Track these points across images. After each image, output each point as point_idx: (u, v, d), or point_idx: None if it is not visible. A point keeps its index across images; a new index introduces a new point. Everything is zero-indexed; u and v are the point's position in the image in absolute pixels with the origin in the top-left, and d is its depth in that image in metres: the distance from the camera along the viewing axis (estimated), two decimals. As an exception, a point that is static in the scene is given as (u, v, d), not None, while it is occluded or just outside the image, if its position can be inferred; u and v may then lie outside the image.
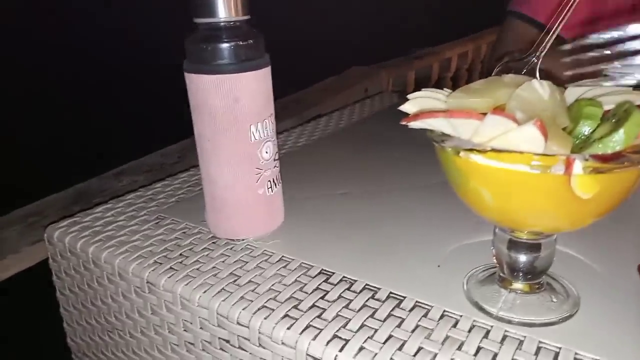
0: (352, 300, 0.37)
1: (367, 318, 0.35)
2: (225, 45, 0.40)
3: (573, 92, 0.34)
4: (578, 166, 0.25)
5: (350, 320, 0.35)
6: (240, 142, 0.42)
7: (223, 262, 0.43)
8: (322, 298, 0.38)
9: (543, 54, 0.39)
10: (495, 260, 0.36)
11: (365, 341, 0.33)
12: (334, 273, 0.41)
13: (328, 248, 0.44)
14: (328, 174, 0.62)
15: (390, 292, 0.38)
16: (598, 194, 0.27)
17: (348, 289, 0.39)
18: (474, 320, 0.34)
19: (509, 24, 0.94)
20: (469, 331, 0.33)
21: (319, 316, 0.35)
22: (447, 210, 0.50)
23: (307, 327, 0.34)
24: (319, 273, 0.41)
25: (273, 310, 0.36)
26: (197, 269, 0.42)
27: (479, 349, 0.32)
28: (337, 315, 0.35)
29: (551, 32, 0.40)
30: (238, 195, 0.44)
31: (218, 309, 0.38)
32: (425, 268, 0.41)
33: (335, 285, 0.39)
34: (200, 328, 0.40)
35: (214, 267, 0.42)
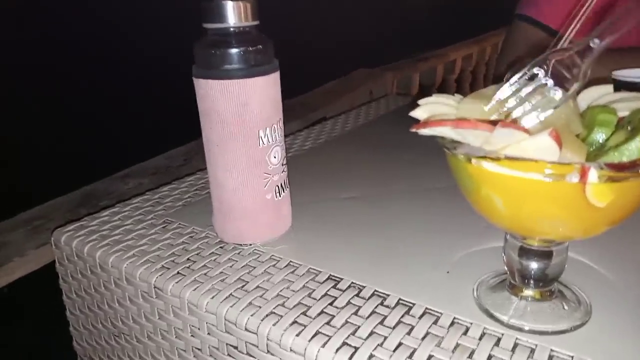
0: (361, 306, 0.37)
1: (376, 325, 0.35)
2: (234, 51, 0.40)
3: (585, 98, 0.34)
4: (593, 175, 0.25)
5: (359, 327, 0.35)
6: (249, 147, 0.42)
7: (231, 267, 0.43)
8: (330, 304, 0.37)
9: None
10: (506, 267, 0.36)
11: (375, 349, 0.32)
12: (342, 279, 0.40)
13: (336, 253, 0.44)
14: (335, 177, 0.62)
15: (400, 299, 0.37)
16: (612, 202, 0.26)
17: (357, 295, 0.38)
18: (485, 328, 0.34)
19: (517, 28, 0.93)
20: (480, 339, 0.33)
21: (327, 323, 0.35)
22: (457, 215, 0.50)
23: (316, 334, 0.34)
24: (328, 279, 0.41)
25: (281, 316, 0.36)
26: (205, 274, 0.42)
27: (490, 357, 0.31)
28: (346, 322, 0.35)
29: (564, 38, 0.40)
30: (246, 200, 0.44)
31: (226, 314, 0.38)
32: (435, 274, 0.40)
33: (344, 291, 0.39)
34: (208, 334, 0.40)
35: (221, 272, 0.42)
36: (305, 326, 0.35)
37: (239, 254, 0.45)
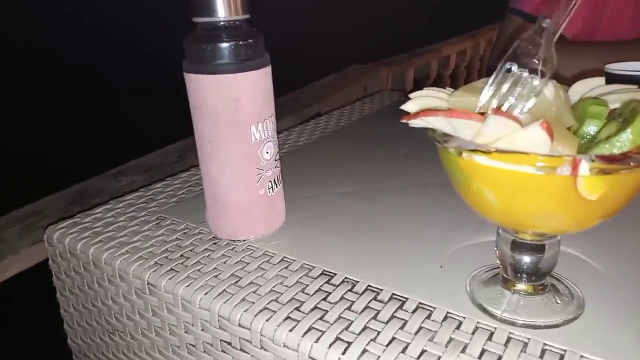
0: (355, 301, 0.37)
1: (369, 320, 0.35)
2: (224, 45, 0.40)
3: (577, 90, 0.34)
4: (584, 167, 0.25)
5: (352, 322, 0.35)
6: (241, 143, 0.42)
7: (224, 263, 0.43)
8: (324, 299, 0.37)
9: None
10: (498, 261, 0.36)
11: (368, 343, 0.32)
12: (336, 274, 0.40)
13: (330, 248, 0.44)
14: (329, 173, 0.61)
15: (393, 294, 0.37)
16: (604, 195, 0.26)
17: (350, 290, 0.38)
18: (478, 322, 0.34)
19: (509, 22, 0.93)
20: (473, 333, 0.33)
21: (321, 318, 0.35)
22: (450, 209, 0.50)
23: (309, 330, 0.34)
24: (321, 274, 0.41)
25: (275, 312, 0.36)
26: (198, 270, 0.42)
27: (483, 351, 0.31)
28: (340, 317, 0.35)
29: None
30: (239, 196, 0.44)
31: (219, 310, 0.37)
32: (428, 268, 0.40)
33: (338, 286, 0.39)
34: (202, 330, 0.40)
35: (215, 269, 0.42)
36: (298, 321, 0.35)
37: (232, 249, 0.45)
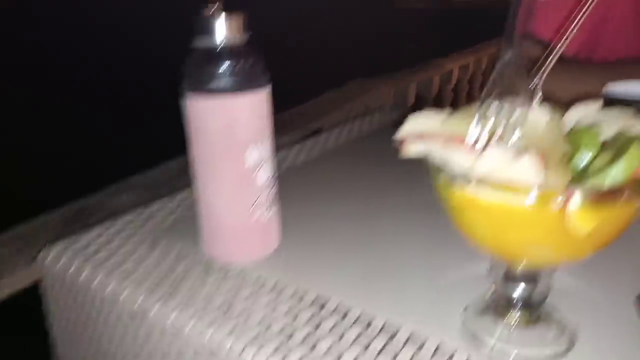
0: (347, 330, 0.36)
1: (361, 350, 0.34)
2: (221, 68, 0.39)
3: (573, 116, 0.34)
4: (577, 200, 0.24)
5: (344, 353, 0.34)
6: (236, 166, 0.42)
7: (217, 289, 0.42)
8: (316, 328, 0.37)
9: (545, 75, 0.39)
10: (492, 291, 0.35)
11: (359, 375, 0.32)
12: (329, 300, 0.40)
13: (324, 273, 0.44)
14: (327, 193, 0.61)
15: (386, 322, 0.37)
16: (597, 227, 0.26)
17: (342, 318, 0.38)
18: (469, 355, 0.33)
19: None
20: (466, 365, 0.32)
21: (312, 348, 0.35)
22: (448, 234, 0.49)
23: (300, 360, 0.34)
24: (314, 301, 0.40)
25: (266, 341, 0.35)
26: (190, 296, 0.41)
27: (476, 384, 0.31)
28: (331, 347, 0.35)
29: (554, 53, 0.40)
30: (233, 220, 0.44)
31: (210, 339, 0.37)
32: (423, 295, 0.40)
33: (330, 314, 0.38)
34: (193, 358, 0.39)
35: (206, 295, 0.41)
36: (289, 351, 0.34)
37: (225, 274, 0.45)
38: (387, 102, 1.72)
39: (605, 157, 0.28)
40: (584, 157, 0.29)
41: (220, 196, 0.43)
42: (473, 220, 0.29)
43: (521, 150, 0.27)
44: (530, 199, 0.25)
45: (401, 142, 0.31)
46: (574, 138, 0.30)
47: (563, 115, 0.33)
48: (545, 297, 0.34)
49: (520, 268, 0.32)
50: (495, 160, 0.26)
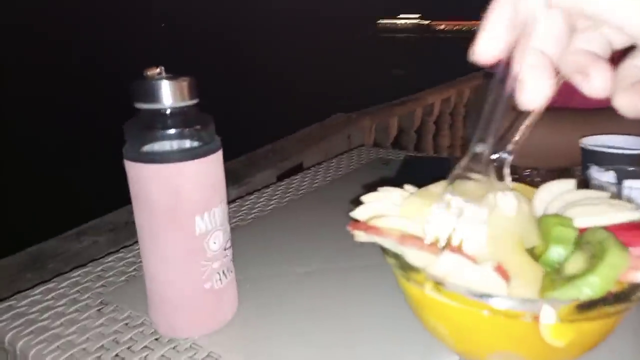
0: None
1: None
2: (166, 132, 0.36)
3: (543, 198, 0.31)
4: (549, 315, 0.21)
5: None
6: (184, 236, 0.38)
7: (162, 368, 0.38)
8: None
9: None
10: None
11: None
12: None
13: (282, 347, 0.40)
14: (295, 245, 0.58)
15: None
16: (573, 341, 0.23)
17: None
18: None
19: (487, 90, 0.92)
20: None
21: None
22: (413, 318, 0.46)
23: None
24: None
25: None
26: (131, 378, 0.37)
27: None
28: None
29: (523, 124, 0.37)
30: (181, 292, 0.40)
31: None
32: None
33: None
34: None
35: (149, 376, 0.38)
36: None
37: (174, 348, 0.41)
38: (369, 138, 1.70)
39: (578, 259, 0.25)
40: (556, 252, 0.26)
41: (165, 268, 0.39)
42: (433, 318, 0.26)
43: (484, 253, 0.24)
44: (493, 311, 0.22)
45: (354, 225, 0.28)
46: (544, 229, 0.27)
47: (533, 197, 0.30)
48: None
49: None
50: (453, 265, 0.23)
